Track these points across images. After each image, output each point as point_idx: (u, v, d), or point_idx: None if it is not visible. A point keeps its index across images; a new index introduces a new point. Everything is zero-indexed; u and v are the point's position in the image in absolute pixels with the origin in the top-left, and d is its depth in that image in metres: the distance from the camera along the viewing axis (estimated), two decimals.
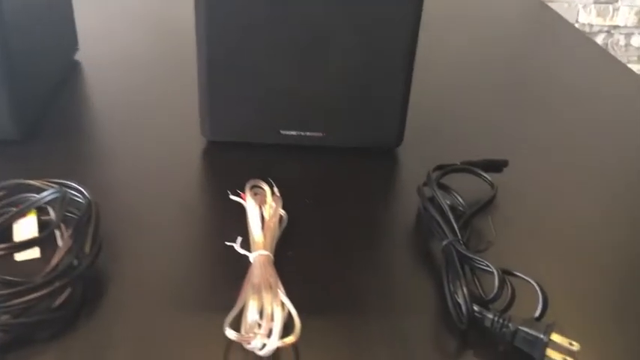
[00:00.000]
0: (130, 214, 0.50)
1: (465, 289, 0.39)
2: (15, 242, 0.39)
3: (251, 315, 0.37)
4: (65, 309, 0.39)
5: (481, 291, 0.41)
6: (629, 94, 0.76)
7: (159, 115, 0.64)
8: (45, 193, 0.44)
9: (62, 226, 0.43)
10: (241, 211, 0.48)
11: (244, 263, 0.43)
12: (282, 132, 0.58)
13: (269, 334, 0.37)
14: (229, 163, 0.57)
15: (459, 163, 0.52)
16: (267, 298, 0.38)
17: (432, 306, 0.42)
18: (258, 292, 0.38)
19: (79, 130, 0.61)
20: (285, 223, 0.48)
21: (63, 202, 0.42)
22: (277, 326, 0.37)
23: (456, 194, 0.50)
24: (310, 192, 0.54)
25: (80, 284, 0.40)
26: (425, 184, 0.50)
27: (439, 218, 0.46)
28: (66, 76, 0.69)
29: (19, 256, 0.41)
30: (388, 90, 0.56)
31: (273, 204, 0.47)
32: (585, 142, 0.63)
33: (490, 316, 0.38)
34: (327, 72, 0.55)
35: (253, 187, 0.48)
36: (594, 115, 0.69)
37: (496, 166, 0.54)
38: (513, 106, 0.70)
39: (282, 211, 0.49)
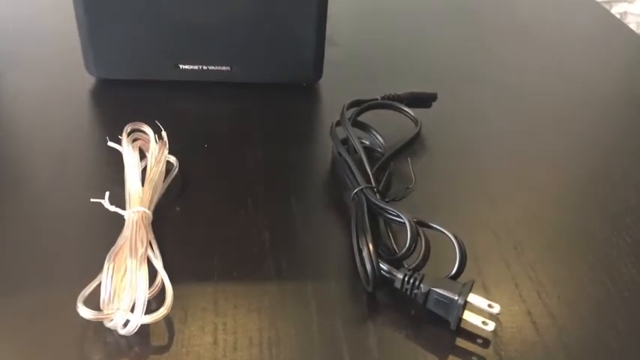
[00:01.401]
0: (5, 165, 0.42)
1: (370, 245, 0.33)
2: None
3: (105, 287, 0.30)
4: None
5: (395, 247, 0.36)
6: (578, 19, 0.69)
7: (41, 48, 0.55)
8: None
9: None
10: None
11: (122, 224, 0.36)
12: (181, 66, 0.50)
13: (133, 309, 0.31)
14: (120, 104, 0.49)
15: (379, 98, 0.45)
16: (131, 264, 0.32)
17: (342, 267, 0.36)
18: (117, 258, 0.32)
19: None
20: (174, 173, 0.41)
21: None
22: (140, 299, 0.30)
23: (375, 134, 0.44)
24: (213, 135, 0.47)
25: None
26: (338, 124, 0.43)
27: (351, 163, 0.40)
28: None
29: None
30: (302, 16, 0.48)
31: (157, 151, 0.40)
32: (520, 74, 0.57)
33: (400, 276, 0.33)
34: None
35: (133, 131, 0.41)
36: (533, 43, 0.62)
37: (423, 100, 0.47)
38: (444, 38, 0.63)
39: (172, 158, 0.42)
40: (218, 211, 0.40)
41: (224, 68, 0.50)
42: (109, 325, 0.31)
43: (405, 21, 0.65)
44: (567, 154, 0.47)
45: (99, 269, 0.32)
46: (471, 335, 0.32)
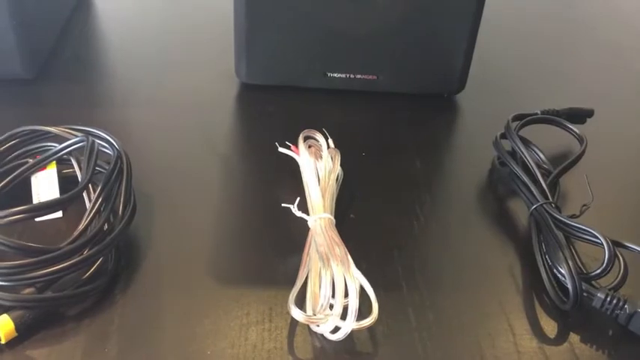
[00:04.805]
0: (160, 168, 0.44)
1: (570, 263, 0.33)
2: (38, 204, 0.33)
3: (324, 292, 0.31)
4: (97, 281, 0.33)
5: (580, 265, 0.36)
6: None
7: (184, 54, 0.56)
8: (67, 143, 0.37)
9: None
10: (285, 163, 0.42)
11: (294, 225, 0.37)
12: (329, 74, 0.51)
13: (341, 315, 0.31)
14: (266, 110, 0.50)
15: (539, 112, 0.45)
16: (338, 270, 0.32)
17: (520, 280, 0.36)
18: (327, 263, 0.32)
19: (95, 71, 0.54)
20: (340, 180, 0.42)
21: (92, 153, 0.35)
22: (353, 305, 0.31)
23: (535, 149, 0.44)
24: (362, 143, 0.47)
25: (113, 252, 0.34)
26: (503, 136, 0.43)
27: (524, 177, 0.40)
28: (75, 8, 0.60)
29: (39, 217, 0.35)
30: (455, 29, 0.48)
31: (331, 158, 0.40)
32: None
33: (601, 295, 0.33)
34: (384, 9, 0.47)
35: (307, 138, 0.41)
36: None
37: (580, 116, 0.47)
38: (580, 52, 0.62)
39: None
40: (389, 219, 0.40)
41: (370, 77, 0.51)
42: (316, 329, 0.32)
43: (538, 35, 0.64)
44: None
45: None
46: None
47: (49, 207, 0.33)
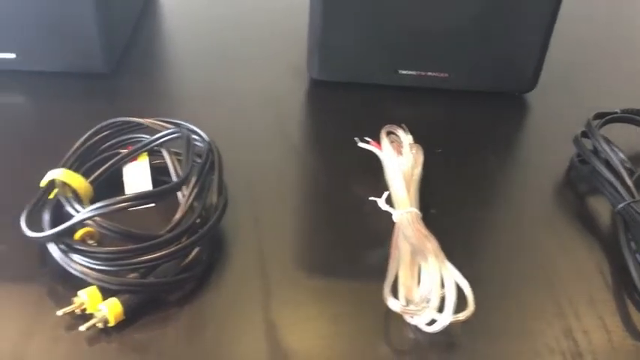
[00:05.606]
0: (237, 162, 0.44)
1: None
2: (141, 193, 0.34)
3: (425, 285, 0.31)
4: (193, 269, 0.34)
5: None
6: None
7: (254, 49, 0.57)
8: (160, 134, 0.38)
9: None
10: (360, 158, 0.42)
11: (374, 219, 0.38)
12: (401, 72, 0.51)
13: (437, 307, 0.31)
14: (338, 107, 0.51)
15: (619, 111, 0.45)
16: (433, 263, 0.32)
17: (608, 277, 0.36)
18: (422, 256, 0.33)
19: (167, 68, 0.55)
20: (420, 176, 0.42)
21: (189, 145, 0.36)
22: (451, 298, 0.31)
23: (615, 148, 0.43)
24: (434, 139, 0.47)
25: (208, 241, 0.35)
26: (584, 135, 0.43)
27: (609, 175, 0.40)
28: (144, 6, 0.62)
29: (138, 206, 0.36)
30: (531, 28, 0.48)
31: (412, 153, 0.41)
32: None
33: None
34: (459, 6, 0.47)
35: (389, 133, 0.42)
36: None
37: None
38: None
39: None
40: (470, 214, 0.40)
41: (442, 75, 0.51)
42: (410, 320, 0.32)
43: (609, 34, 0.64)
44: None
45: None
46: None
47: (151, 197, 0.34)
